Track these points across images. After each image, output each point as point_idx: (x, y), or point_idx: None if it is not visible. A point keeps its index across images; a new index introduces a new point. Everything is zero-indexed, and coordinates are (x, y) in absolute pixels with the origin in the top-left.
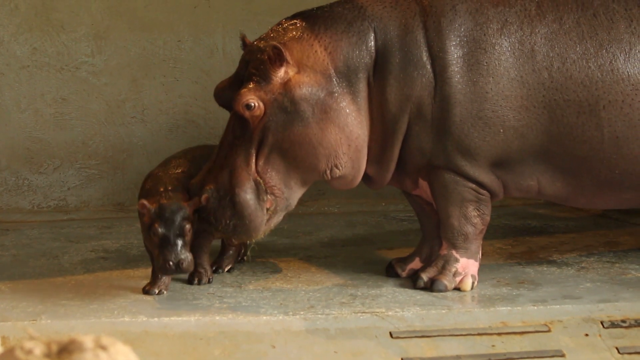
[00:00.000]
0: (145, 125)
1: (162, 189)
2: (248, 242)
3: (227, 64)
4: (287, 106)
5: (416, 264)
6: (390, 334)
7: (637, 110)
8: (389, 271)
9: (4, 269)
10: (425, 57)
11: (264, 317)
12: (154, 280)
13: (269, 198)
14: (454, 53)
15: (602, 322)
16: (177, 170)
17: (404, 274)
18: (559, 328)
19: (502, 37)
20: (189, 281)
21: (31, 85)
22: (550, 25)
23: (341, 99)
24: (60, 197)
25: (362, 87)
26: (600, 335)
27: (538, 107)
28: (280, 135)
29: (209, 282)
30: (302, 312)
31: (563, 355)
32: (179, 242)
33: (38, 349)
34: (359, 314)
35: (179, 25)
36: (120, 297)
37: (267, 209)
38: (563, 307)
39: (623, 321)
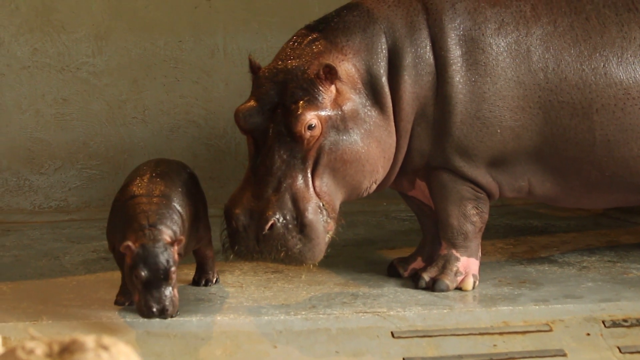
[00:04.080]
0: (146, 125)
1: (144, 222)
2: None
3: (228, 64)
4: (338, 124)
5: (418, 263)
6: (392, 333)
7: (629, 115)
8: (391, 271)
9: (5, 269)
10: (430, 55)
11: (266, 317)
12: (124, 290)
13: (330, 221)
14: (455, 52)
15: (603, 322)
16: (157, 192)
17: (405, 274)
18: (561, 327)
19: (500, 37)
20: (196, 283)
21: (32, 85)
22: (545, 27)
23: (373, 110)
24: (61, 197)
25: (386, 92)
26: (601, 335)
27: (533, 107)
28: (333, 155)
29: (216, 282)
30: (303, 312)
31: (565, 355)
32: (164, 287)
33: (39, 349)
34: (361, 314)
35: (179, 25)
36: None
37: (328, 232)
38: (565, 306)
39: (625, 320)
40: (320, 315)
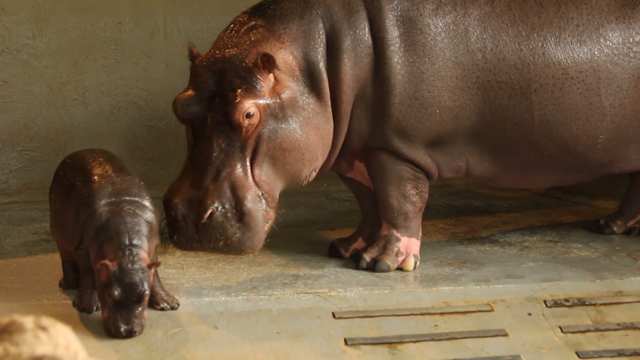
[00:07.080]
0: (86, 107)
1: (126, 240)
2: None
3: (168, 46)
4: (277, 113)
5: (359, 243)
6: (333, 314)
7: (567, 95)
8: (332, 251)
9: None
10: (368, 37)
11: (207, 299)
12: (86, 296)
13: (269, 210)
14: (393, 33)
15: (545, 302)
16: (134, 194)
17: (347, 254)
18: (502, 307)
19: (438, 17)
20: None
21: None
22: (482, 7)
23: (311, 98)
24: (1, 179)
25: (323, 78)
26: (543, 315)
27: (472, 87)
28: (272, 144)
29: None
30: (244, 293)
31: (506, 335)
32: (135, 308)
33: None
34: (302, 295)
35: (119, 7)
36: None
37: (267, 221)
38: (506, 286)
39: (566, 300)
40: (261, 296)
